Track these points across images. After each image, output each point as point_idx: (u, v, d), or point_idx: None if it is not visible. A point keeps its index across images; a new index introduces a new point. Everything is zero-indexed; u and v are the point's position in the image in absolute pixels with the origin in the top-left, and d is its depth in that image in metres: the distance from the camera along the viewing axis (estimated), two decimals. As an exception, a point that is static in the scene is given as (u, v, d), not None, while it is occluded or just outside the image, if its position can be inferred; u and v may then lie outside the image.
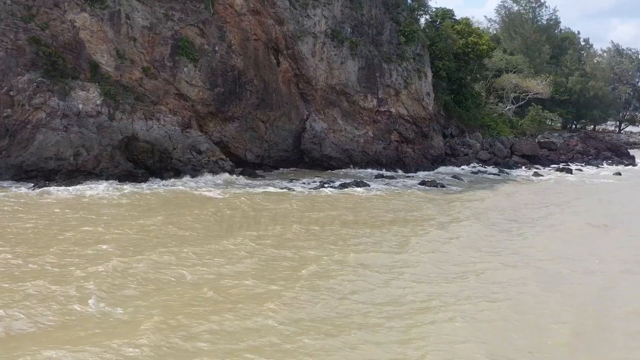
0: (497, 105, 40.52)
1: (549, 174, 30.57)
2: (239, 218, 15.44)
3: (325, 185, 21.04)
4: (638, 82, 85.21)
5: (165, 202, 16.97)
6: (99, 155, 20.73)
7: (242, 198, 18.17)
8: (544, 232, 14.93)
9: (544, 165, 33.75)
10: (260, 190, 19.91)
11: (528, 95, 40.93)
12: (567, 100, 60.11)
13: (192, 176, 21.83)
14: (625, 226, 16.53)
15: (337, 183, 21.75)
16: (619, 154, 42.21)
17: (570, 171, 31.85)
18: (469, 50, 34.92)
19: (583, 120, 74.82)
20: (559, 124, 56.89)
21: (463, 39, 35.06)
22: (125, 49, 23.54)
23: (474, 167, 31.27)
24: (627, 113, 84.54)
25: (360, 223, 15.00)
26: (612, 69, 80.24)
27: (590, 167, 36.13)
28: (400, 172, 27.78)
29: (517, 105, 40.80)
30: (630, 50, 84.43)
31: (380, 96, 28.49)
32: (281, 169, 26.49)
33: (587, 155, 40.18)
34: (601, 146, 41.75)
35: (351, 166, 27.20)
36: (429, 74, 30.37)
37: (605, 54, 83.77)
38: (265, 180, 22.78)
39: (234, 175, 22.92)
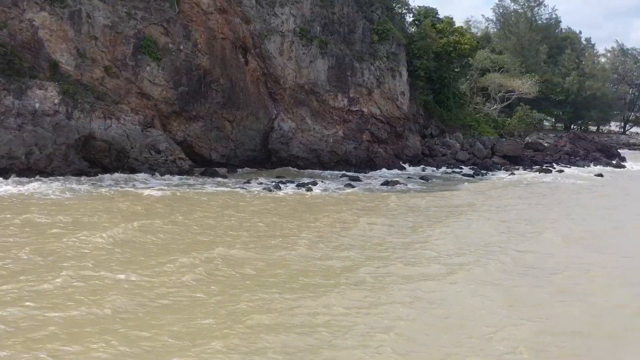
0: (484, 105, 40.09)
1: (526, 174, 30.10)
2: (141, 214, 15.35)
3: (281, 186, 20.87)
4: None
5: (92, 200, 16.91)
6: (52, 154, 20.85)
7: (176, 196, 18.09)
8: (411, 235, 14.54)
9: (526, 166, 33.45)
10: (211, 189, 19.84)
11: (513, 95, 40.39)
12: (564, 101, 59.42)
13: (151, 175, 21.80)
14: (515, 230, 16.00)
15: (294, 184, 21.60)
16: (609, 155, 41.78)
17: (549, 172, 31.48)
18: (451, 49, 34.58)
19: (581, 121, 74.11)
20: (550, 125, 56.02)
21: (444, 38, 34.69)
22: (86, 48, 23.64)
23: (451, 167, 30.94)
24: (632, 114, 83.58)
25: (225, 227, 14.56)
26: (615, 69, 79.40)
27: (575, 167, 35.68)
28: (370, 172, 27.49)
29: (503, 105, 40.31)
30: (635, 50, 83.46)
31: (351, 95, 28.35)
32: (247, 168, 26.35)
33: (575, 156, 39.76)
34: (591, 147, 41.29)
35: (319, 166, 26.94)
36: (404, 73, 30.18)
37: (608, 54, 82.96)
38: (224, 179, 22.75)
39: (193, 175, 22.80)
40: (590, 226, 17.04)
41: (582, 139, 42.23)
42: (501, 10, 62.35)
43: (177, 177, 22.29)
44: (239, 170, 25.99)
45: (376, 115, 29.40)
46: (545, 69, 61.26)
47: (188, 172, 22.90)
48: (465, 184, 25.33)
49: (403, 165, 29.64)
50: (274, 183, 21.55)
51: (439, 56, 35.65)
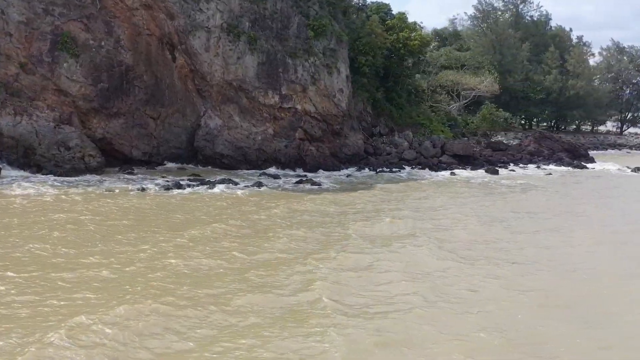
0: (448, 103, 39.67)
1: (466, 174, 29.78)
2: None
3: (182, 184, 21.08)
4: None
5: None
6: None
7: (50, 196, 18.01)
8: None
9: (477, 165, 32.98)
10: (90, 189, 19.73)
11: (472, 93, 39.93)
12: (545, 100, 58.53)
13: (55, 173, 21.85)
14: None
15: (201, 183, 21.76)
16: (576, 155, 41.22)
17: (496, 172, 31.17)
18: (400, 45, 34.25)
19: (577, 121, 73.05)
20: (533, 124, 55.20)
21: (394, 35, 34.40)
22: (0, 45, 23.74)
23: (392, 167, 30.68)
24: (629, 114, 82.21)
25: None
26: (609, 68, 78.16)
27: (532, 167, 35.14)
28: (300, 171, 27.33)
29: (463, 103, 39.86)
30: (633, 48, 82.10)
31: (283, 92, 28.27)
32: (171, 165, 26.27)
33: (539, 156, 39.32)
34: (557, 147, 40.79)
35: (246, 165, 26.82)
36: (344, 70, 30.06)
37: (604, 53, 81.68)
38: (133, 176, 23.01)
39: (102, 173, 22.83)
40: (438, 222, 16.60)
41: (549, 138, 41.72)
42: (483, 7, 61.59)
43: (89, 175, 22.20)
44: (158, 167, 25.83)
45: (311, 113, 29.27)
46: (528, 68, 60.44)
47: (96, 170, 22.86)
48: (383, 184, 25.03)
49: (339, 164, 29.32)
50: (173, 181, 21.43)
51: (392, 53, 35.28)
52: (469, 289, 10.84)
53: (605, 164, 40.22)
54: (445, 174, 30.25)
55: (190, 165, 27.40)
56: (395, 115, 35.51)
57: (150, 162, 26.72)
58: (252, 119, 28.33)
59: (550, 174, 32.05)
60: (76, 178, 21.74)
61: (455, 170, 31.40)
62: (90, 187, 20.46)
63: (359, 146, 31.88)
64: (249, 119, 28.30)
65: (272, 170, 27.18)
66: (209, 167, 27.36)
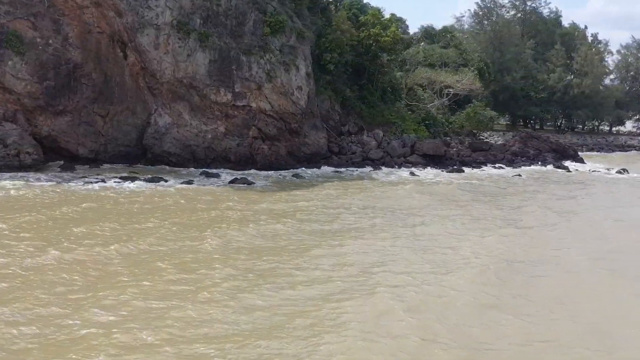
0: (432, 102, 38.97)
1: (427, 174, 29.29)
2: None
3: (106, 181, 21.21)
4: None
5: None
6: None
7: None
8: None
9: (448, 165, 32.34)
10: (35, 184, 20.11)
11: (452, 91, 39.12)
12: (548, 99, 57.04)
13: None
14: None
15: (121, 179, 22.09)
16: (565, 155, 40.25)
17: (461, 171, 30.42)
18: (371, 42, 33.78)
19: (596, 121, 71.15)
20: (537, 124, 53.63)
21: (366, 31, 33.96)
22: (-56, 43, 24.31)
23: (354, 167, 30.39)
24: (651, 114, 79.72)
25: None
26: (627, 66, 75.91)
27: (509, 168, 34.43)
28: (252, 170, 27.22)
29: (443, 101, 39.07)
30: (655, 46, 79.39)
31: (237, 90, 28.29)
32: (120, 164, 26.48)
33: (524, 156, 38.52)
34: (544, 147, 39.90)
35: (194, 163, 26.85)
36: (303, 67, 29.90)
37: (623, 51, 79.39)
38: (64, 174, 23.52)
39: (37, 170, 23.13)
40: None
41: (536, 138, 40.83)
42: (485, 4, 60.41)
43: (21, 173, 22.58)
44: (104, 166, 26.01)
45: (266, 111, 29.19)
46: (532, 66, 59.07)
47: (31, 167, 23.17)
48: (322, 183, 24.89)
49: (296, 163, 29.15)
50: (98, 179, 21.64)
51: (364, 50, 34.84)
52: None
53: (594, 165, 39.06)
54: (404, 174, 29.74)
55: (139, 164, 27.47)
56: (365, 114, 35.03)
57: (97, 160, 26.92)
58: (203, 117, 28.36)
59: (519, 175, 31.17)
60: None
61: (416, 170, 31.08)
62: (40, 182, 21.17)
63: (320, 145, 31.60)
64: (200, 117, 28.33)
65: (220, 169, 27.01)
66: (158, 165, 27.36)
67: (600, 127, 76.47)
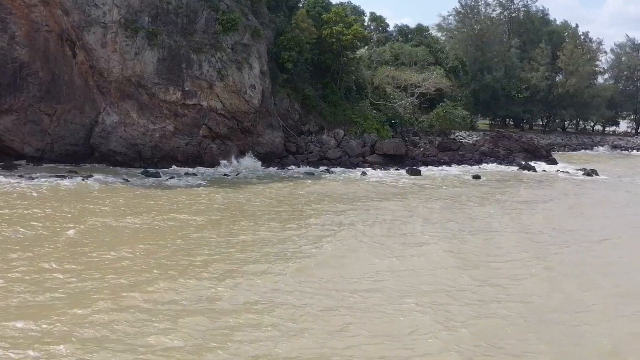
0: (400, 101, 38.90)
1: (380, 174, 29.31)
2: None
3: (24, 177, 21.63)
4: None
5: None
6: None
7: None
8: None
9: (409, 165, 32.24)
10: None
11: (418, 89, 38.97)
12: (532, 98, 56.65)
13: None
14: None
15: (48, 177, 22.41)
16: (537, 155, 39.94)
17: (417, 172, 30.73)
18: (333, 40, 33.76)
19: (584, 121, 70.59)
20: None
21: (328, 29, 33.95)
22: None
23: (312, 165, 30.65)
24: (645, 114, 79.06)
25: None
26: (619, 65, 75.29)
27: (475, 167, 34.74)
28: (201, 169, 27.33)
29: (410, 100, 38.93)
30: (650, 44, 78.69)
31: (187, 89, 28.49)
32: (67, 164, 26.64)
33: (493, 156, 38.41)
34: (515, 147, 39.89)
35: (141, 162, 27.00)
36: (257, 66, 30.05)
37: (618, 50, 78.72)
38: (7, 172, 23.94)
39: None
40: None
41: (507, 138, 40.77)
42: (466, 1, 60.12)
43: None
44: (48, 164, 26.13)
45: (217, 110, 29.37)
46: (517, 64, 58.71)
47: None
48: (254, 182, 25.33)
49: (245, 162, 29.10)
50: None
51: (326, 48, 34.84)
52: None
53: (564, 166, 38.84)
54: (356, 174, 29.75)
55: (86, 164, 27.61)
56: (326, 113, 35.04)
57: (43, 159, 27.09)
58: (152, 116, 28.52)
59: (478, 176, 30.97)
60: None
61: (370, 170, 31.17)
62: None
63: (276, 144, 31.68)
64: (148, 115, 28.51)
65: (167, 168, 27.13)
66: (104, 164, 27.52)
67: (596, 127, 76.05)
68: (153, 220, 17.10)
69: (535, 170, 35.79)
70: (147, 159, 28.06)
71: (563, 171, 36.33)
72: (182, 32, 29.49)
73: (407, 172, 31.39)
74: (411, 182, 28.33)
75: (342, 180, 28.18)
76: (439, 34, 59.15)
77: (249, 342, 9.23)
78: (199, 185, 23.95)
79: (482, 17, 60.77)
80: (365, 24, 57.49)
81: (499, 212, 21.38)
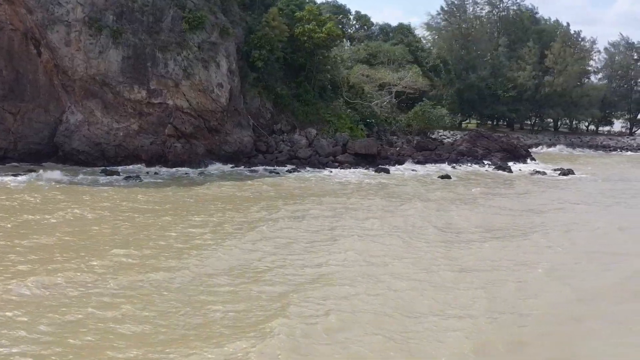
0: (375, 100, 38.96)
1: (347, 174, 29.56)
2: None
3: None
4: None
5: None
6: None
7: None
8: None
9: (378, 165, 32.44)
10: None
11: (394, 89, 39.01)
12: (519, 97, 56.63)
13: None
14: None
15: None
16: (516, 155, 40.10)
17: (387, 171, 30.69)
18: (305, 39, 33.84)
19: (578, 121, 70.53)
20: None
21: (301, 27, 34.05)
22: None
23: (281, 164, 30.95)
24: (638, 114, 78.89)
25: None
26: (612, 65, 75.18)
27: (449, 166, 35.18)
28: (164, 168, 27.49)
29: (387, 99, 38.97)
30: (641, 43, 78.56)
31: (152, 87, 28.67)
32: (30, 163, 26.78)
33: (471, 156, 38.46)
34: (494, 146, 39.97)
35: (104, 161, 27.16)
36: (224, 64, 30.22)
37: (612, 49, 78.58)
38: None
39: None
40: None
41: (486, 137, 40.87)
42: (453, 0, 60.12)
43: None
44: (10, 163, 26.30)
45: (183, 109, 29.45)
46: (504, 64, 58.69)
47: None
48: (202, 183, 25.41)
49: (211, 161, 29.28)
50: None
51: (299, 46, 34.94)
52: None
53: (543, 166, 38.95)
54: (322, 173, 29.93)
55: (50, 162, 27.77)
56: (298, 112, 35.11)
57: (6, 158, 27.25)
58: (116, 115, 28.68)
59: (447, 175, 30.98)
60: None
61: (338, 170, 31.41)
62: None
63: (244, 143, 31.82)
64: (113, 114, 28.67)
65: (129, 167, 27.29)
66: (68, 163, 27.67)
67: (590, 127, 75.94)
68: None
69: (510, 171, 35.83)
70: (110, 158, 28.24)
71: (539, 171, 36.36)
72: (148, 31, 29.65)
73: (375, 171, 31.54)
74: (375, 181, 28.47)
75: (302, 179, 28.36)
76: (427, 33, 59.43)
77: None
78: (141, 185, 24.00)
79: (469, 16, 60.75)
80: (352, 23, 57.87)
81: (421, 210, 21.32)
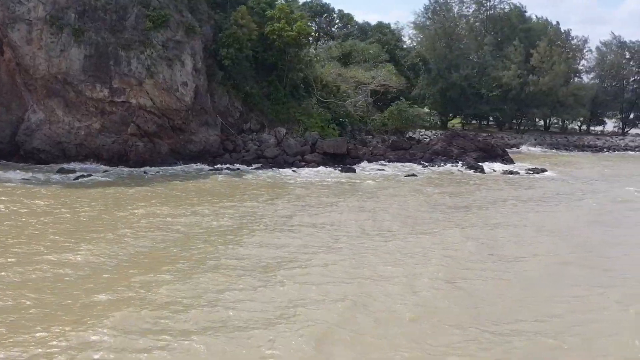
0: (348, 99, 39.10)
1: (309, 173, 29.91)
2: None
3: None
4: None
5: None
6: None
7: None
8: None
9: (347, 164, 32.61)
10: None
11: (368, 88, 39.13)
12: (504, 97, 56.59)
13: None
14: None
15: None
16: (493, 154, 40.10)
17: (352, 170, 30.93)
18: (275, 37, 34.00)
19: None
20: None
21: (271, 26, 34.22)
22: None
23: (247, 164, 31.38)
24: (632, 114, 78.82)
25: None
26: (602, 64, 75.15)
27: (415, 166, 35.36)
28: (126, 168, 27.69)
29: (358, 98, 39.09)
30: (634, 43, 78.52)
31: (115, 86, 28.96)
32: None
33: (445, 155, 38.50)
34: (470, 146, 40.09)
35: (65, 160, 27.42)
36: (189, 63, 30.53)
37: (604, 48, 78.57)
38: None
39: None
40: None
41: (462, 137, 41.00)
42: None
43: None
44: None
45: (146, 107, 29.61)
46: (489, 62, 58.68)
47: None
48: (145, 182, 25.58)
49: (176, 160, 29.58)
50: None
51: (271, 45, 35.11)
52: None
53: (518, 165, 38.98)
54: (286, 172, 30.16)
55: (11, 162, 27.99)
56: (268, 111, 35.28)
57: (-34, 157, 27.53)
58: (78, 114, 28.96)
59: (413, 174, 31.13)
60: None
61: (304, 169, 31.90)
62: None
63: (210, 142, 32.04)
64: (75, 113, 28.93)
65: (90, 166, 27.53)
66: (29, 162, 27.91)
67: (583, 127, 75.88)
68: None
69: (482, 170, 35.93)
70: (71, 157, 28.51)
71: (512, 171, 36.44)
72: (111, 29, 29.90)
73: (342, 170, 31.69)
74: (335, 180, 28.68)
75: (256, 178, 28.36)
76: (412, 32, 59.50)
77: None
78: (85, 184, 23.97)
79: (453, 14, 60.78)
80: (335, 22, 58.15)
81: (344, 209, 21.48)
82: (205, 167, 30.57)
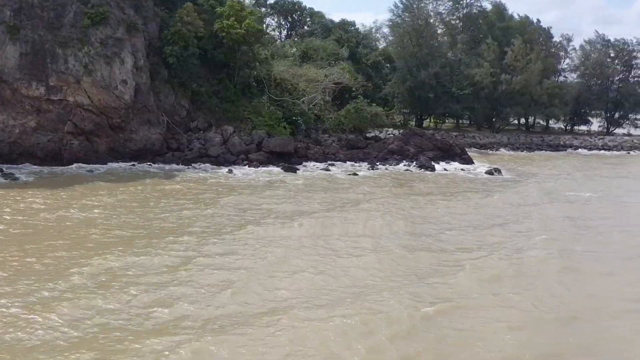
0: (303, 97, 39.39)
1: (248, 172, 30.15)
2: None
3: None
4: (628, 77, 79.35)
5: None
6: None
7: None
8: None
9: (293, 163, 32.90)
10: None
11: (321, 86, 39.40)
12: (476, 95, 56.72)
13: None
14: None
15: None
16: (451, 154, 40.35)
17: (293, 170, 31.38)
18: (223, 34, 34.30)
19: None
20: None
21: (219, 23, 34.53)
22: None
23: (189, 162, 31.50)
24: (616, 113, 78.96)
25: None
26: (584, 63, 75.28)
27: (366, 165, 35.66)
28: (60, 167, 27.99)
29: (313, 96, 39.38)
30: (620, 41, 78.57)
31: (51, 84, 29.39)
32: None
33: (401, 155, 38.94)
34: (427, 145, 40.53)
35: (-2, 159, 27.79)
36: (129, 60, 30.96)
37: (588, 47, 78.68)
38: None
39: None
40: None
41: (419, 136, 41.41)
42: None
43: None
44: None
45: (83, 105, 29.90)
46: (464, 61, 58.86)
47: None
48: (70, 182, 25.78)
49: (112, 159, 29.98)
50: None
51: (220, 43, 35.44)
52: None
53: (476, 165, 39.31)
54: (222, 171, 30.45)
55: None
56: (215, 110, 35.62)
57: None
58: (13, 112, 29.38)
59: (355, 174, 31.43)
60: None
61: (244, 168, 32.20)
62: None
63: (152, 141, 32.45)
64: (10, 111, 29.37)
65: (19, 165, 27.89)
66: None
67: (567, 127, 76.00)
68: None
69: (433, 170, 36.24)
70: (4, 156, 28.85)
71: (466, 171, 36.68)
72: (48, 27, 30.33)
73: (283, 170, 32.00)
74: (268, 179, 28.95)
75: (182, 179, 28.39)
76: (386, 30, 59.65)
77: None
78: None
79: (427, 12, 61.01)
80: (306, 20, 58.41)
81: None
82: (145, 165, 30.91)
